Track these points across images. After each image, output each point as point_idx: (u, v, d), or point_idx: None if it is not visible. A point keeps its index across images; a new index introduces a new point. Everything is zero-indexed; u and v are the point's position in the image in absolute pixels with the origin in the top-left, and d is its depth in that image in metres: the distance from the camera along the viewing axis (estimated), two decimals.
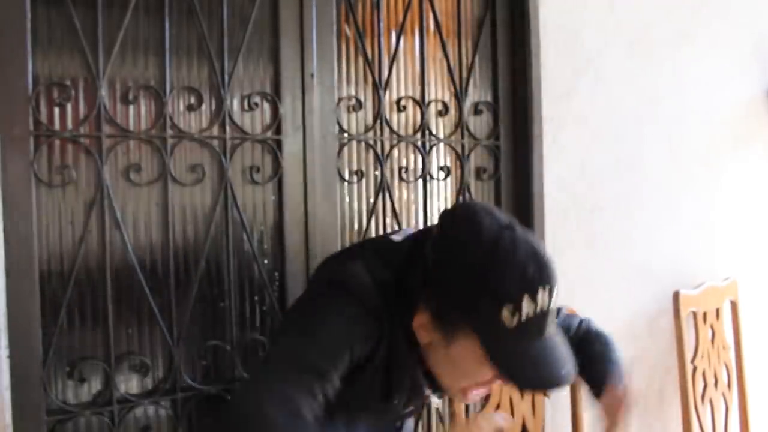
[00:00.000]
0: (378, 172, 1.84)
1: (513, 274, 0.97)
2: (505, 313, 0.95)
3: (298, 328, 1.06)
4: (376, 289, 1.04)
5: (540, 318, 0.98)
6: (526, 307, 0.95)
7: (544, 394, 1.12)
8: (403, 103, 1.89)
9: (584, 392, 1.18)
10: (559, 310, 1.22)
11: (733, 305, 2.49)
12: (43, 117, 1.43)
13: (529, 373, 0.99)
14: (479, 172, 2.01)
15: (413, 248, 1.08)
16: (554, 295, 1.00)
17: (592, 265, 2.16)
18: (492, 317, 0.95)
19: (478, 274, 0.97)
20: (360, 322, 1.03)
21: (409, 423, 1.36)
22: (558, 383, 1.03)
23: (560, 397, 2.03)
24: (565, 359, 1.03)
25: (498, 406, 1.88)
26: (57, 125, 1.46)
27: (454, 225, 1.04)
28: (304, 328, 1.04)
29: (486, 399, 1.87)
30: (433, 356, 1.06)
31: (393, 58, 1.86)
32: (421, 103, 1.90)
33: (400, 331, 1.05)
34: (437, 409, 1.92)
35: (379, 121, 1.83)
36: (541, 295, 0.97)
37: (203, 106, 1.61)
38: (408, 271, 1.05)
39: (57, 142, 1.45)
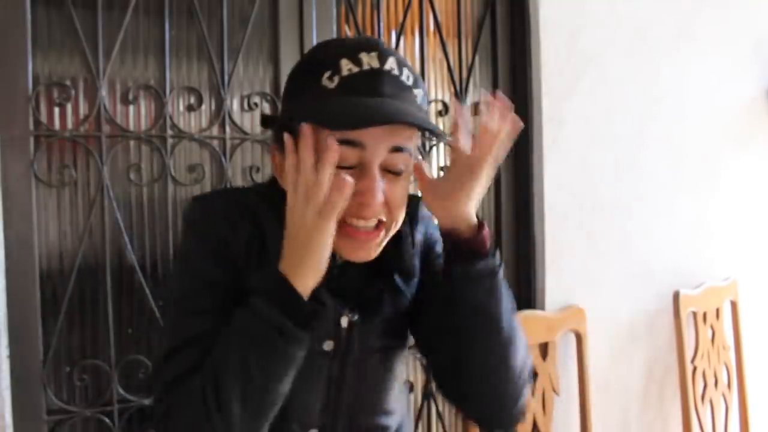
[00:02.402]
0: None
1: (328, 49, 0.90)
2: (325, 80, 0.85)
3: (173, 287, 0.94)
4: (234, 192, 1.01)
5: (368, 76, 0.85)
6: (346, 66, 0.85)
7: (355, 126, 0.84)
8: None
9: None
10: None
11: (733, 305, 2.50)
12: (43, 117, 1.43)
13: (342, 110, 0.84)
14: None
15: None
16: (388, 60, 0.87)
17: (592, 265, 2.16)
18: (314, 90, 0.85)
19: (299, 69, 0.91)
20: (218, 219, 0.91)
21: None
22: (378, 113, 0.84)
23: (570, 395, 2.04)
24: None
25: None
26: (57, 125, 1.46)
27: None
28: (177, 279, 0.93)
29: None
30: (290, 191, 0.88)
31: None
32: None
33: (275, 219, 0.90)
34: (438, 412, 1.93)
35: None
36: (366, 57, 0.86)
37: (203, 106, 1.61)
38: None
39: (57, 142, 1.45)
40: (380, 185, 0.86)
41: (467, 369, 0.93)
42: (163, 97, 1.54)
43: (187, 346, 0.86)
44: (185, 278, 0.91)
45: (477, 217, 0.92)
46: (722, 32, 2.52)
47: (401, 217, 0.91)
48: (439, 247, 0.99)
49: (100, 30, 1.48)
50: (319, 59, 0.89)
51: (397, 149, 0.86)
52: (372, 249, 0.90)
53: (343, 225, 0.86)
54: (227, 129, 1.61)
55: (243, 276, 0.89)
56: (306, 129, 0.83)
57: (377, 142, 0.85)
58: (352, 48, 0.87)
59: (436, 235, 1.01)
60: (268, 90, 1.68)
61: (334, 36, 1.74)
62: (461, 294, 0.90)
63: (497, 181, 2.02)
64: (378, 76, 0.86)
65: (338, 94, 0.84)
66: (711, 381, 2.37)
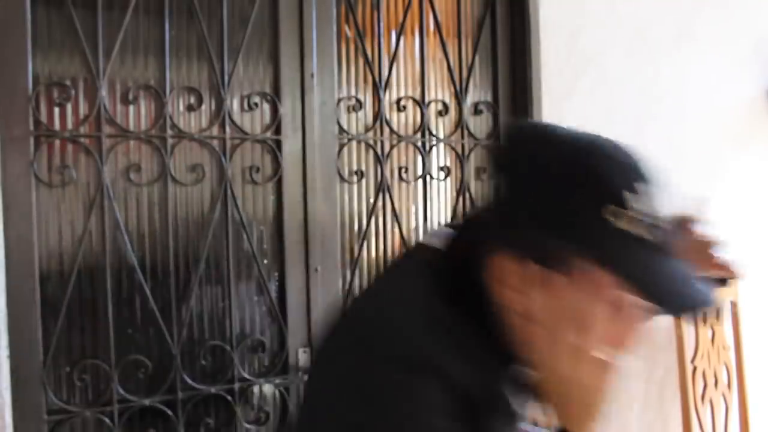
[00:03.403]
0: (378, 172, 1.84)
1: (611, 169, 0.79)
2: (610, 217, 0.74)
3: None
4: (454, 333, 0.75)
5: (658, 228, 0.77)
6: (633, 205, 0.76)
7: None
8: (403, 103, 1.89)
9: None
10: None
11: (733, 305, 2.49)
12: (43, 117, 1.43)
13: (674, 288, 0.75)
14: (479, 172, 2.01)
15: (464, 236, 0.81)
16: (659, 196, 0.80)
17: None
18: (600, 227, 0.74)
19: (567, 184, 0.77)
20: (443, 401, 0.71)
21: None
22: (704, 301, 0.78)
23: None
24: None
25: None
26: (57, 125, 1.46)
27: (517, 148, 0.82)
28: None
29: None
30: (540, 320, 0.75)
31: (393, 59, 1.86)
32: (421, 103, 1.90)
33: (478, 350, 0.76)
34: None
35: (379, 121, 1.83)
36: (646, 193, 0.78)
37: (203, 106, 1.61)
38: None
39: (57, 142, 1.45)
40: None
41: None
42: (163, 97, 1.54)
43: None
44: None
45: None
46: (722, 32, 2.52)
47: None
48: None
49: (100, 30, 1.48)
50: (597, 175, 0.77)
51: None
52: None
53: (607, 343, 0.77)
54: (227, 129, 1.61)
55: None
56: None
57: None
58: (632, 176, 0.79)
59: None
60: (268, 90, 1.68)
61: (334, 36, 1.74)
62: None
63: None
64: (665, 228, 0.78)
65: (644, 249, 0.75)
66: (711, 381, 2.37)
